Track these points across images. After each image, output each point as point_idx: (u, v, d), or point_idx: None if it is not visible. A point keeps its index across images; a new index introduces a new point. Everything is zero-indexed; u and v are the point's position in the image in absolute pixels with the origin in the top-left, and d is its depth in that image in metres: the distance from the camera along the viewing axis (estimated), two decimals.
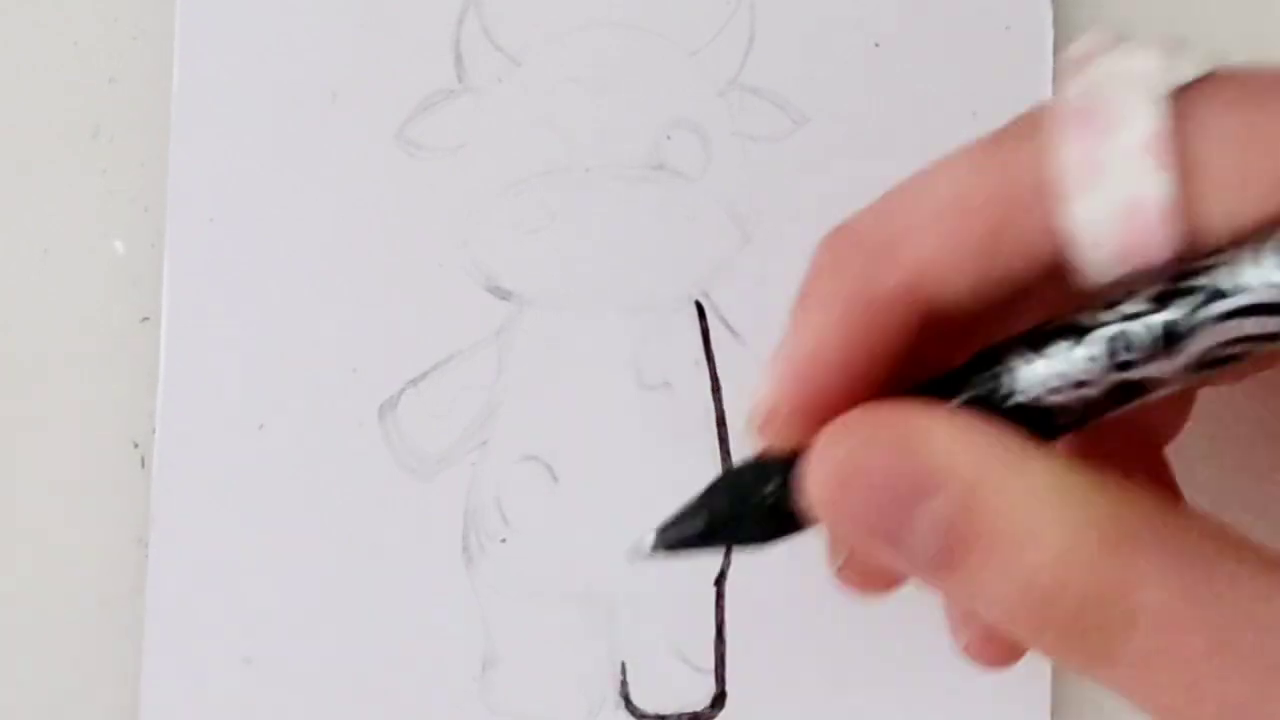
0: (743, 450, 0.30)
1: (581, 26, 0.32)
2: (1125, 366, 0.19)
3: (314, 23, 0.31)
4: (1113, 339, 0.19)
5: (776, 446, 0.21)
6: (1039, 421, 0.20)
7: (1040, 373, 0.20)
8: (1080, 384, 0.20)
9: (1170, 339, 0.19)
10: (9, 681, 0.31)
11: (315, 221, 0.31)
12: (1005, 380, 0.20)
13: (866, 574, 0.24)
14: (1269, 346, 0.19)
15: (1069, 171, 0.20)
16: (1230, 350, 0.19)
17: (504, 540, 0.31)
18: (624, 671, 0.31)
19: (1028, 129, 0.20)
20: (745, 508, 0.22)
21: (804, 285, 0.22)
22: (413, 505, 0.31)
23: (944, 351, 0.21)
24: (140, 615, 0.30)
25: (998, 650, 0.24)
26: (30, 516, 0.31)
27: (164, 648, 0.30)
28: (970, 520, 0.19)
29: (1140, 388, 0.20)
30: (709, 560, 0.31)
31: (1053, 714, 0.31)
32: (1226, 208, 0.19)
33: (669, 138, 0.31)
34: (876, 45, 0.32)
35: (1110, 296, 0.20)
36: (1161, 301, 0.19)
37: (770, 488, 0.21)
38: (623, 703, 0.31)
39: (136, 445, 0.31)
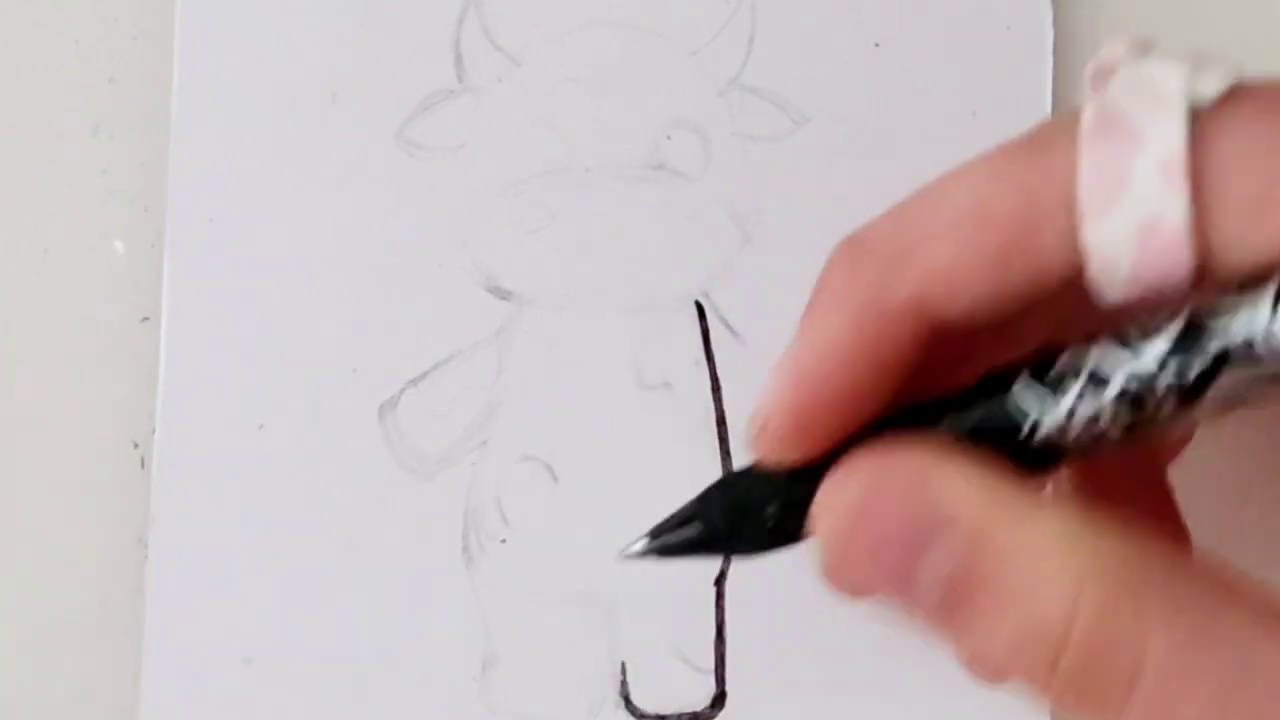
0: (743, 451, 0.30)
1: (581, 26, 0.32)
2: (1140, 406, 0.19)
3: (314, 23, 0.31)
4: (1132, 382, 0.19)
5: (776, 458, 0.21)
6: (1046, 454, 0.20)
7: (1053, 411, 0.20)
8: (1093, 420, 0.20)
9: (1192, 386, 0.19)
10: (9, 681, 0.31)
11: (315, 221, 0.31)
12: (1014, 413, 0.20)
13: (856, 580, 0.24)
14: None
15: (1088, 187, 0.19)
16: (1247, 392, 0.19)
17: (504, 540, 0.31)
18: (624, 671, 0.31)
19: (1048, 139, 0.20)
20: (743, 525, 0.22)
21: (814, 291, 0.21)
22: (413, 505, 0.31)
23: (946, 364, 0.21)
24: (140, 615, 0.30)
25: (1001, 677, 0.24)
26: (30, 516, 0.31)
27: (164, 648, 0.30)
28: (977, 566, 0.19)
29: (1152, 425, 0.20)
30: (708, 560, 0.31)
31: (1053, 714, 0.31)
32: (1243, 231, 0.19)
33: (669, 138, 0.31)
34: (876, 45, 0.32)
35: (1124, 334, 0.19)
36: (1182, 345, 0.19)
37: (771, 509, 0.21)
38: (623, 703, 0.31)
39: (136, 445, 0.31)
